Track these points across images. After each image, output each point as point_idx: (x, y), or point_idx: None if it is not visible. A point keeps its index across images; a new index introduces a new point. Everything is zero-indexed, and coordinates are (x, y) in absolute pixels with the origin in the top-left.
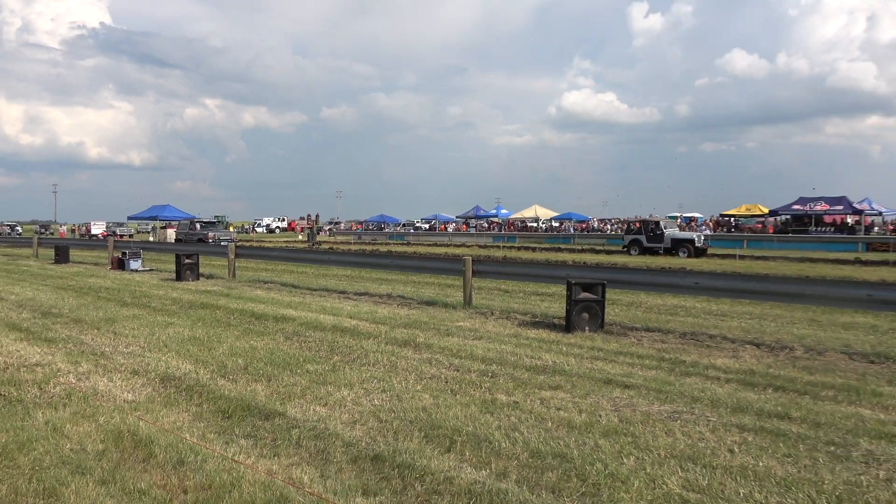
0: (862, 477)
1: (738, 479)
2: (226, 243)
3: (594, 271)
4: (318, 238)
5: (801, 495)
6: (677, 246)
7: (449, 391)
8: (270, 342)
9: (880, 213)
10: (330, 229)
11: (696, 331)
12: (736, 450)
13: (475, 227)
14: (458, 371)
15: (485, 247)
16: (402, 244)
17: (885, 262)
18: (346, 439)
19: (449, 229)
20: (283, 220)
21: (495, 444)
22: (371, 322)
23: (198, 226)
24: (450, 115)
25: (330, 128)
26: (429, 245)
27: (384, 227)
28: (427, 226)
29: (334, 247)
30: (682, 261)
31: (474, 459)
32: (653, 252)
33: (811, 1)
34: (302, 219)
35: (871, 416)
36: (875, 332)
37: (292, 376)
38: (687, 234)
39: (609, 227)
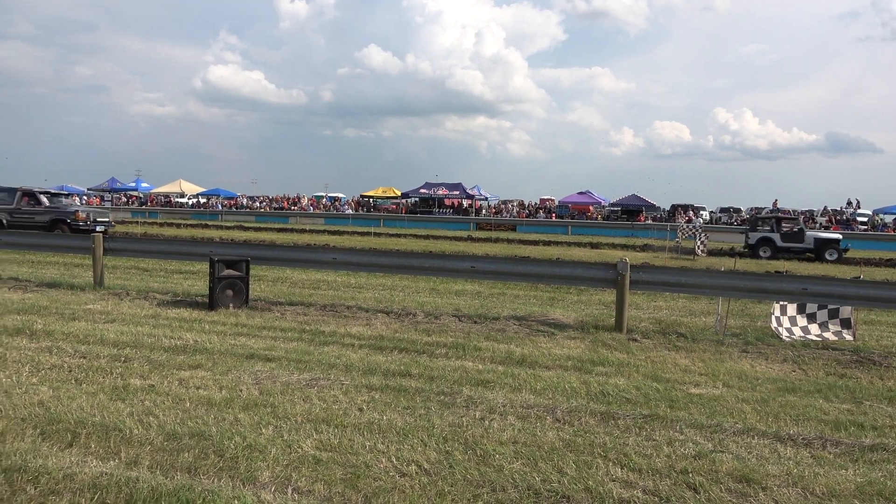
0: (463, 419)
1: (366, 433)
2: (104, 227)
3: (241, 248)
4: None
5: (415, 440)
6: (823, 248)
7: (73, 381)
8: None
9: (486, 198)
10: None
11: (336, 303)
12: (365, 408)
13: (111, 200)
14: (84, 358)
15: (122, 222)
16: None
17: (489, 239)
18: None
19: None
20: None
21: (126, 431)
22: None
23: (44, 199)
24: (77, 76)
25: None
26: None
27: None
28: None
29: None
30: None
31: (101, 451)
32: (789, 254)
33: (434, 11)
34: None
35: (472, 367)
36: (479, 297)
37: None
38: (831, 235)
39: (258, 204)
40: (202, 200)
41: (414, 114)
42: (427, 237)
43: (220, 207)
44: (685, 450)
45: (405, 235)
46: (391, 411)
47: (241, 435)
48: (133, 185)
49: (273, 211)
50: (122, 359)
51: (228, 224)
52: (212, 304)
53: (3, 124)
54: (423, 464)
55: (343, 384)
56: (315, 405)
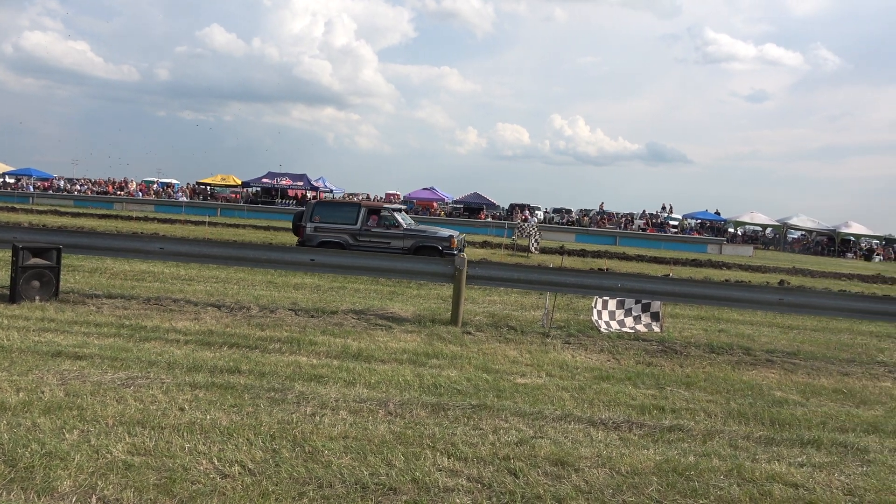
0: (294, 415)
1: (186, 434)
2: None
3: (54, 235)
4: None
5: (240, 440)
6: None
7: None
8: None
9: (332, 191)
10: None
11: (162, 296)
12: (186, 407)
13: None
14: None
15: None
16: None
17: None
18: None
19: None
20: None
21: None
22: None
23: (400, 220)
24: None
25: None
26: None
27: None
28: None
29: None
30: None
31: None
32: None
33: None
34: None
35: (306, 363)
36: (318, 291)
37: None
38: None
39: (79, 187)
40: (10, 181)
41: (259, 100)
42: (268, 228)
43: (32, 189)
44: (508, 437)
45: (244, 226)
46: (216, 410)
47: (38, 441)
48: None
49: (96, 196)
50: None
51: (41, 208)
52: (13, 296)
53: None
54: (248, 463)
55: (164, 383)
56: (130, 406)
